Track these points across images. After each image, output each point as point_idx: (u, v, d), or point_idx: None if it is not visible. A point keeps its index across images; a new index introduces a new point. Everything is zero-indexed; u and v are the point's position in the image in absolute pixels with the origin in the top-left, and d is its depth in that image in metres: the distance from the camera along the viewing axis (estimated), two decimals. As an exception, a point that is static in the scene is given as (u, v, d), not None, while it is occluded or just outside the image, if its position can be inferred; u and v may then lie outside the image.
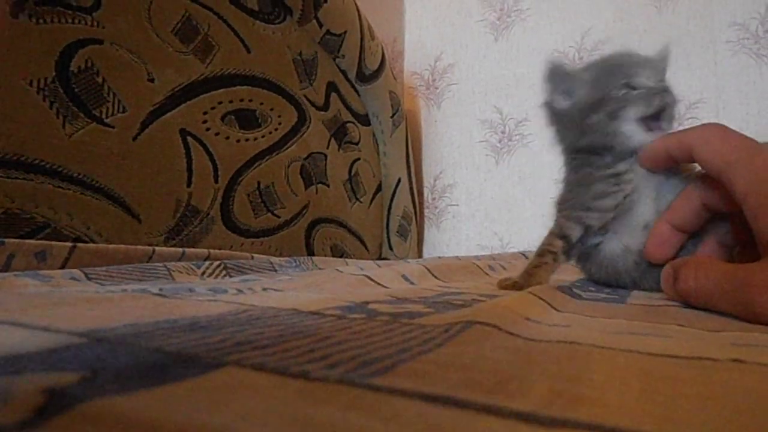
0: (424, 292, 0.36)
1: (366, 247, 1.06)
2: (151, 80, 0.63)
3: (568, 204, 0.44)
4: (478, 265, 0.60)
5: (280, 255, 0.80)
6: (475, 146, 1.26)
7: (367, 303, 0.26)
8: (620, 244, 0.42)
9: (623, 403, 0.12)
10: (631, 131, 0.41)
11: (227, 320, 0.20)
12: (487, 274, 0.59)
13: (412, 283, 0.44)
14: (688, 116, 1.08)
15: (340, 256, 0.96)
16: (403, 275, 0.45)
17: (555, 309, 0.28)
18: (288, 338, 0.17)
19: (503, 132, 1.23)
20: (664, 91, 0.41)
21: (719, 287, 0.30)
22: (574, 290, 0.38)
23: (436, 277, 0.48)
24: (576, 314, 0.28)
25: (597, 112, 0.42)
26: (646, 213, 0.41)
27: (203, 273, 0.51)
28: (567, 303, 0.31)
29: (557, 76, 0.45)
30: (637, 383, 0.14)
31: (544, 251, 0.43)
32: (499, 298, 0.28)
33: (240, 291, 0.30)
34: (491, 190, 1.24)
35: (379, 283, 0.42)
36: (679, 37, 1.10)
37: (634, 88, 0.41)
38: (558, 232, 0.43)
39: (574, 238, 0.42)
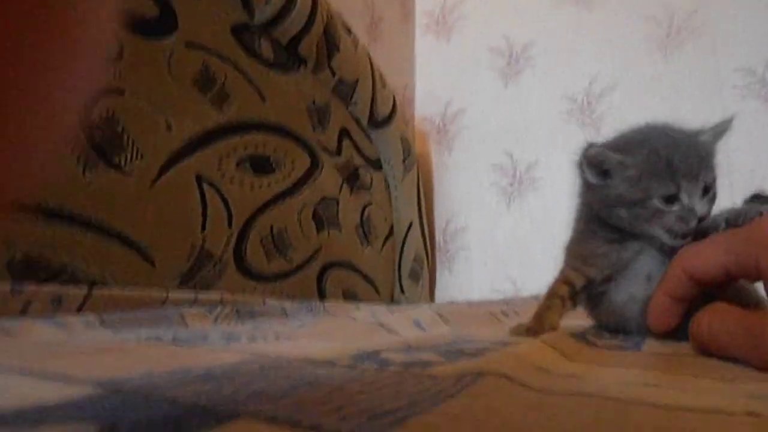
0: (436, 339, 0.36)
1: (377, 291, 1.06)
2: (169, 128, 0.65)
3: (571, 253, 0.44)
4: (490, 311, 0.60)
5: (292, 299, 0.80)
6: (486, 190, 1.27)
7: (379, 352, 0.26)
8: (626, 293, 0.42)
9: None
10: (659, 235, 0.40)
11: (241, 370, 0.20)
12: (499, 320, 0.58)
13: (423, 330, 0.44)
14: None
15: (353, 300, 0.95)
16: (414, 321, 0.45)
17: (567, 358, 0.28)
18: (300, 389, 0.17)
19: (514, 176, 1.24)
20: (704, 212, 0.39)
21: (732, 333, 0.30)
22: (588, 337, 0.38)
23: (446, 323, 0.48)
24: (589, 363, 0.27)
25: (630, 209, 0.40)
26: (650, 263, 0.41)
27: (215, 319, 0.52)
28: (580, 351, 0.31)
29: (594, 160, 0.42)
30: (650, 438, 0.14)
31: (551, 295, 0.43)
32: (511, 347, 0.28)
33: (253, 339, 0.30)
34: (503, 233, 1.24)
35: (392, 330, 0.42)
36: (685, 84, 1.12)
37: (675, 201, 0.39)
38: (563, 279, 0.43)
39: (578, 286, 0.42)
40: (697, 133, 0.43)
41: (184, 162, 0.66)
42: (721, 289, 0.35)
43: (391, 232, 1.14)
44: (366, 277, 1.03)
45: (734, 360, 0.30)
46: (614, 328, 0.45)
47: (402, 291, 1.15)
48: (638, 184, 0.39)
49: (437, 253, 1.31)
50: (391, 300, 1.13)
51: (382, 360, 0.24)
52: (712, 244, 0.34)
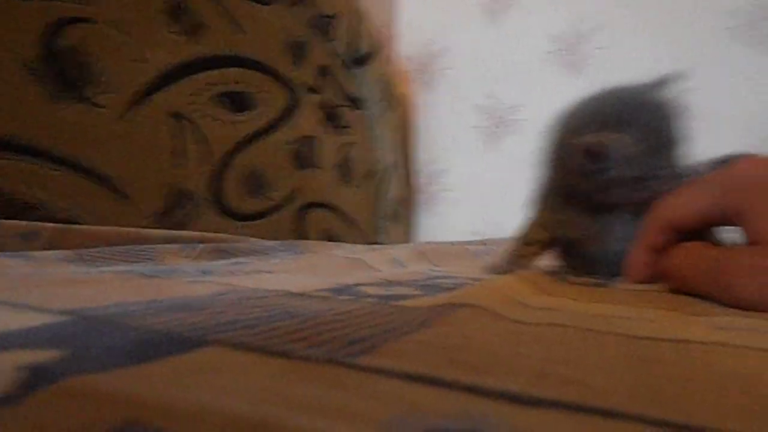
0: (415, 275, 0.36)
1: (359, 232, 1.06)
2: (141, 60, 0.62)
3: (543, 207, 0.43)
4: (469, 250, 0.60)
5: (273, 239, 0.80)
6: (469, 131, 1.26)
7: (357, 285, 0.26)
8: (602, 249, 0.42)
9: (610, 384, 0.12)
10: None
11: (214, 300, 0.19)
12: (479, 258, 0.59)
13: (402, 266, 0.44)
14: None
15: (333, 241, 0.96)
16: (394, 258, 0.45)
17: (543, 292, 0.28)
18: (273, 318, 0.17)
19: (498, 117, 1.23)
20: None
21: (697, 268, 0.31)
22: (564, 275, 0.39)
23: (427, 260, 0.48)
24: (564, 298, 0.28)
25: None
26: (626, 224, 0.40)
27: (194, 256, 0.51)
28: (555, 286, 0.32)
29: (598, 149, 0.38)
30: (625, 366, 0.14)
31: (529, 240, 0.42)
32: (489, 281, 0.28)
33: (230, 272, 0.30)
34: (485, 175, 1.24)
35: (371, 266, 0.42)
36: (674, 26, 1.10)
37: None
38: (541, 223, 0.42)
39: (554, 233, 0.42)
40: (659, 91, 0.40)
41: (158, 95, 0.64)
42: (699, 238, 0.35)
43: (372, 173, 1.14)
44: (347, 218, 1.03)
45: (703, 298, 0.31)
46: (588, 272, 0.45)
47: (383, 232, 1.16)
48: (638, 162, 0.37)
49: (418, 195, 1.31)
50: (372, 241, 1.13)
51: (359, 292, 0.24)
52: (689, 191, 0.34)
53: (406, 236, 1.20)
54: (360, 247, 0.67)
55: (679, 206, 0.34)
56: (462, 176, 1.26)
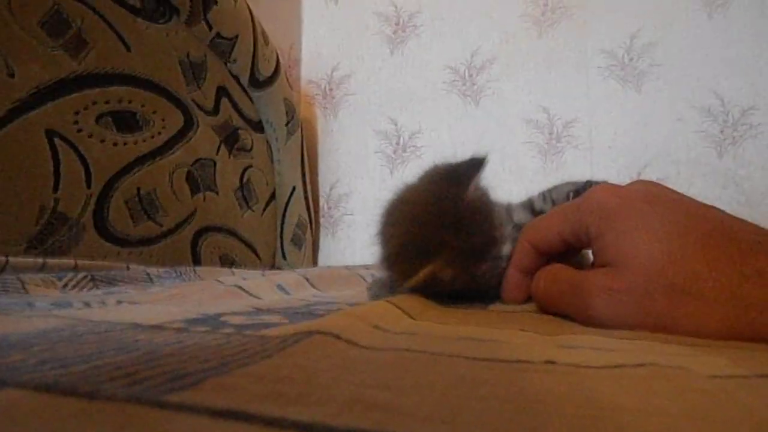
0: (293, 302, 0.36)
1: (258, 256, 1.04)
2: (11, 75, 0.58)
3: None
4: (360, 275, 0.61)
5: (163, 265, 0.76)
6: (370, 156, 1.28)
7: (220, 315, 0.25)
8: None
9: (417, 407, 0.13)
10: None
11: (45, 337, 0.18)
12: (366, 282, 0.59)
13: (287, 293, 0.43)
14: (565, 134, 1.16)
15: (230, 266, 0.93)
16: (278, 285, 0.44)
17: (410, 317, 0.29)
18: (103, 355, 0.16)
19: (398, 143, 1.26)
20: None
21: (561, 290, 0.33)
22: (443, 298, 0.40)
23: (313, 286, 0.48)
24: (430, 321, 0.29)
25: None
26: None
27: (65, 285, 0.48)
28: (426, 311, 0.32)
29: None
30: (442, 387, 0.15)
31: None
32: (357, 307, 0.28)
33: (87, 305, 0.28)
34: (386, 200, 1.26)
35: (252, 294, 0.41)
36: (556, 61, 1.19)
37: None
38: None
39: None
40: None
41: (32, 114, 0.60)
42: (565, 258, 0.38)
43: (273, 197, 1.12)
44: (245, 242, 1.00)
45: (569, 318, 0.33)
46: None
47: (284, 256, 1.14)
48: None
49: (321, 219, 1.30)
50: (273, 266, 1.11)
51: (219, 323, 0.24)
52: (550, 216, 0.37)
53: (308, 260, 1.19)
54: (252, 273, 0.65)
55: (542, 229, 0.37)
56: (365, 200, 1.28)
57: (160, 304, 0.31)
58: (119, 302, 0.31)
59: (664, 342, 0.24)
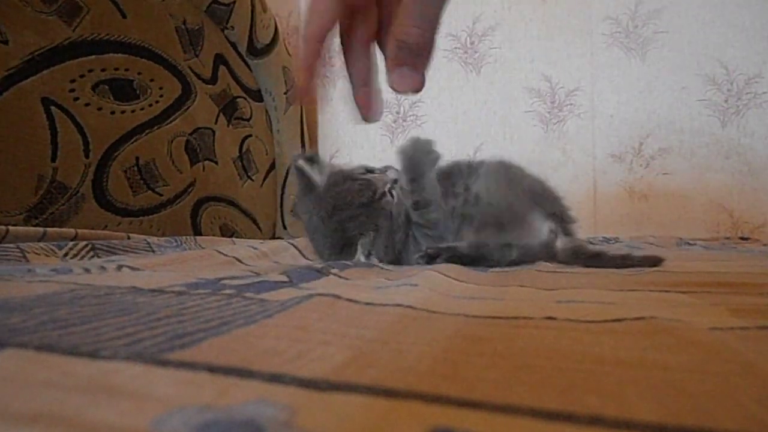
0: (288, 269, 0.36)
1: (258, 227, 1.04)
2: (5, 42, 0.57)
3: None
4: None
5: (163, 235, 0.76)
6: (370, 125, 1.27)
7: (220, 279, 0.25)
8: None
9: (415, 365, 0.13)
10: None
11: (45, 300, 0.18)
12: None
13: (276, 263, 0.44)
14: (567, 102, 1.15)
15: (230, 236, 0.93)
16: (265, 254, 0.44)
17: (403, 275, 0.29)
18: (104, 316, 0.16)
19: (398, 112, 1.25)
20: None
21: None
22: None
23: (304, 256, 0.48)
24: (435, 272, 0.29)
25: None
26: None
27: (65, 254, 0.48)
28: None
29: None
30: (443, 344, 0.15)
31: None
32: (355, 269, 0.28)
33: (87, 270, 0.28)
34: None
35: (248, 265, 0.41)
36: (561, 28, 1.17)
37: None
38: None
39: None
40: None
41: (27, 82, 0.59)
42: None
43: (273, 167, 1.12)
44: (245, 212, 1.00)
45: (566, 273, 0.33)
46: None
47: (285, 227, 1.14)
48: None
49: (321, 189, 1.30)
50: (273, 236, 1.11)
51: (218, 285, 0.24)
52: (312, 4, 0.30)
53: (309, 231, 1.19)
54: (255, 242, 0.65)
55: (313, 21, 0.29)
56: (365, 170, 1.27)
57: (160, 269, 0.31)
58: (119, 268, 0.31)
59: (663, 290, 0.24)
